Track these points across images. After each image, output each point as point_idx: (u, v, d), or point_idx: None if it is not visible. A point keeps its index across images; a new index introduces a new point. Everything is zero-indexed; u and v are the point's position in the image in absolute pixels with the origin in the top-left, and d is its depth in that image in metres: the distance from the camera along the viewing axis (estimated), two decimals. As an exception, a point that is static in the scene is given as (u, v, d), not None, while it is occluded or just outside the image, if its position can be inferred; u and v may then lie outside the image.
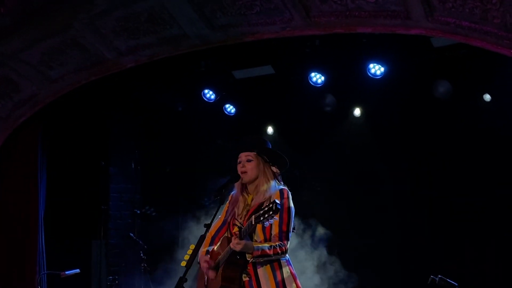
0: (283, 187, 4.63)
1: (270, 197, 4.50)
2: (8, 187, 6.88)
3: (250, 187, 4.67)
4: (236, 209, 4.70)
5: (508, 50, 4.35)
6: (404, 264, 7.72)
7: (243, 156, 4.63)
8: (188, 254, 4.77)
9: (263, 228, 4.47)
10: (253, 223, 4.26)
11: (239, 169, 4.61)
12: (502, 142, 7.17)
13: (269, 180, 4.61)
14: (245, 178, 4.61)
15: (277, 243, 4.44)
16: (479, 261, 7.45)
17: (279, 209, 4.18)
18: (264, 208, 4.21)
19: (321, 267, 7.39)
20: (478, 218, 7.41)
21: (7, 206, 6.87)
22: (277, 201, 4.19)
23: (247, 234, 4.36)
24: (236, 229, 4.60)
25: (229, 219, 4.75)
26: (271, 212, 4.15)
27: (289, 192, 4.60)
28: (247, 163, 4.58)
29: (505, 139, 7.12)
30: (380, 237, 7.90)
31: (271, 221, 4.24)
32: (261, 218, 4.19)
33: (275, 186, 4.61)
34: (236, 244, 4.31)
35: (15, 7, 5.31)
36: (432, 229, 7.74)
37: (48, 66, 6.08)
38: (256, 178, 4.61)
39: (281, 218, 4.43)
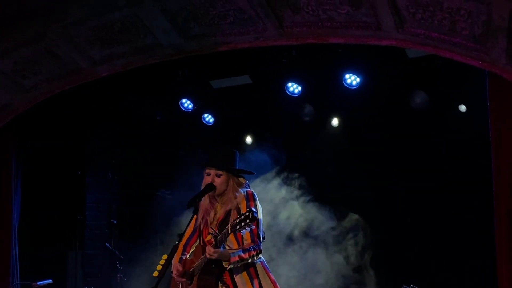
0: (248, 189, 4.69)
1: (237, 203, 4.57)
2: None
3: (218, 197, 4.70)
4: (207, 217, 4.73)
5: (477, 61, 4.39)
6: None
7: (213, 170, 4.65)
8: (161, 265, 4.77)
9: (235, 235, 4.50)
10: (229, 231, 4.29)
11: (208, 181, 4.64)
12: (478, 151, 7.22)
13: (237, 191, 4.67)
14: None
15: (250, 246, 4.48)
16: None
17: (256, 217, 4.22)
18: (241, 216, 4.26)
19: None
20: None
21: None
22: (253, 209, 4.24)
23: (223, 242, 4.39)
24: (209, 237, 4.62)
25: (201, 227, 4.77)
26: (247, 221, 4.22)
27: (254, 193, 4.67)
28: (217, 178, 4.65)
29: (480, 148, 7.17)
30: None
31: (248, 229, 4.28)
32: (238, 227, 4.24)
33: (239, 192, 4.67)
34: (212, 253, 4.33)
35: (-13, 16, 5.27)
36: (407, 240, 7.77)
37: (22, 75, 6.02)
38: (225, 190, 4.64)
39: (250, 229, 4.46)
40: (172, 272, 4.82)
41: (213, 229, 4.61)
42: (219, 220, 4.63)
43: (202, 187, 4.71)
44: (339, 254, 8.12)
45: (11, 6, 5.16)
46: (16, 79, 6.03)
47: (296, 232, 8.33)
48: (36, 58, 5.83)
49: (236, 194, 4.64)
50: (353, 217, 8.25)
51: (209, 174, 4.66)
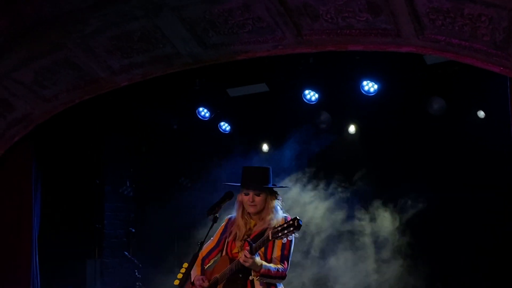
0: (287, 215, 4.75)
1: (275, 225, 4.57)
2: (2, 206, 6.84)
3: (254, 214, 4.73)
4: (237, 232, 4.75)
5: (498, 67, 4.37)
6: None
7: (251, 191, 4.71)
8: (181, 273, 4.78)
9: (266, 248, 4.51)
10: (270, 237, 4.29)
11: (247, 201, 4.70)
12: (497, 158, 7.17)
13: (274, 210, 4.74)
14: (253, 210, 4.74)
15: (280, 267, 4.51)
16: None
17: (301, 225, 4.22)
18: (284, 224, 4.31)
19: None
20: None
21: (1, 225, 6.83)
22: (299, 218, 4.25)
23: (258, 250, 4.39)
24: (236, 249, 4.63)
25: (229, 241, 4.78)
26: (291, 228, 4.26)
27: None
28: (256, 197, 4.71)
29: (499, 155, 7.11)
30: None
31: (290, 237, 4.29)
32: (279, 234, 4.26)
33: (278, 213, 4.74)
34: (247, 259, 4.33)
35: (7, 26, 5.32)
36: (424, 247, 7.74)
37: (42, 86, 6.08)
38: (263, 209, 4.70)
39: (284, 242, 4.51)
40: (192, 282, 4.82)
41: (248, 239, 4.60)
42: (252, 236, 4.66)
43: (238, 206, 4.75)
44: (358, 260, 8.10)
45: (30, 16, 5.21)
46: (36, 90, 6.09)
47: (315, 238, 8.34)
48: (56, 68, 5.88)
49: (274, 213, 4.71)
50: (370, 223, 8.23)
51: (247, 194, 4.73)
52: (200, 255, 4.83)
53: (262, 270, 4.42)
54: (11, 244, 6.91)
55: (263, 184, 4.73)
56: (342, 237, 8.29)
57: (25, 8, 5.17)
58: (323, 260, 8.29)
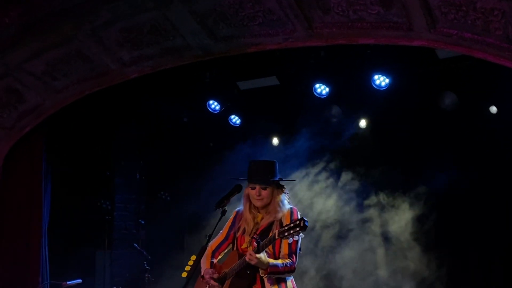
0: (293, 207, 4.72)
1: (281, 217, 4.60)
2: (12, 197, 6.89)
3: (262, 208, 4.73)
4: (245, 226, 4.74)
5: (510, 62, 4.32)
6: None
7: (257, 185, 4.70)
8: (189, 265, 4.78)
9: (273, 245, 4.51)
10: (276, 237, 4.29)
11: (254, 195, 4.68)
12: (509, 154, 7.12)
13: (281, 203, 4.70)
14: (260, 204, 4.71)
15: (287, 261, 4.51)
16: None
17: (307, 226, 4.22)
18: (290, 224, 4.28)
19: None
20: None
21: (11, 216, 6.88)
22: (305, 218, 4.23)
23: (265, 248, 4.39)
24: (245, 244, 4.63)
25: (238, 236, 4.78)
26: (297, 229, 4.23)
27: (298, 212, 4.66)
28: (263, 191, 4.68)
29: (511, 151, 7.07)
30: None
31: (296, 237, 4.27)
32: (286, 234, 4.24)
33: (285, 206, 4.71)
34: (253, 258, 4.32)
35: (19, 17, 5.34)
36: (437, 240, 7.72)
37: (53, 77, 6.10)
38: (269, 203, 4.69)
39: (290, 241, 4.47)
40: (202, 276, 4.82)
41: (255, 235, 4.59)
42: (260, 230, 4.65)
43: (245, 200, 4.75)
44: (367, 251, 8.09)
45: (42, 8, 5.23)
46: (47, 81, 6.11)
47: (325, 232, 8.34)
48: (67, 59, 5.90)
49: (281, 206, 4.68)
50: (380, 217, 8.21)
51: (254, 188, 4.71)
52: (209, 248, 4.83)
53: (270, 268, 4.42)
54: (21, 235, 6.95)
55: (269, 178, 4.71)
56: (352, 231, 8.28)
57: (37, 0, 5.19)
58: (332, 254, 8.29)
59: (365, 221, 8.26)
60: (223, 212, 4.66)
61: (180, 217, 9.23)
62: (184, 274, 4.76)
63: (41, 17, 5.39)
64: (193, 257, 4.76)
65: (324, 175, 8.53)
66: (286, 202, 4.75)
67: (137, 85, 7.32)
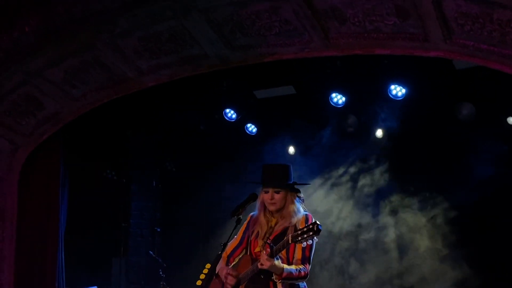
0: (308, 212, 4.72)
1: (296, 223, 4.62)
2: (29, 204, 6.94)
3: (276, 212, 4.73)
4: (259, 231, 4.75)
5: (527, 74, 4.30)
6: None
7: (271, 188, 4.71)
8: (204, 273, 4.80)
9: (287, 250, 4.51)
10: (289, 241, 4.29)
11: (267, 199, 4.68)
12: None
13: (295, 207, 4.73)
14: (273, 208, 4.74)
15: (301, 267, 4.52)
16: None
17: (320, 230, 4.21)
18: (304, 228, 4.28)
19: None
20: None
21: (28, 222, 6.92)
22: (318, 222, 4.24)
23: (278, 253, 4.40)
24: (258, 248, 4.63)
25: (251, 239, 4.79)
26: (311, 233, 4.23)
27: (313, 218, 4.66)
28: (276, 195, 4.70)
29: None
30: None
31: (310, 241, 4.27)
32: (299, 238, 4.24)
33: (300, 211, 4.71)
34: (266, 263, 4.33)
35: (39, 25, 5.39)
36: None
37: (71, 85, 6.14)
38: (283, 206, 4.66)
39: (304, 246, 4.48)
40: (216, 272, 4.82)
41: (268, 240, 4.60)
42: (274, 234, 4.66)
43: (259, 204, 4.76)
44: (382, 263, 8.07)
45: (61, 16, 5.28)
46: (65, 88, 6.16)
47: (342, 240, 8.33)
48: (85, 67, 5.94)
49: (295, 212, 4.70)
50: (396, 227, 8.19)
51: (267, 192, 4.74)
52: (224, 253, 4.84)
53: (284, 274, 4.43)
54: (38, 241, 7.00)
55: (282, 181, 4.72)
56: (369, 240, 8.27)
57: (56, 8, 5.24)
58: (349, 262, 8.29)
59: (381, 229, 8.26)
60: (238, 221, 4.68)
61: (196, 225, 9.27)
62: (199, 283, 4.78)
63: (60, 26, 5.43)
64: (208, 265, 4.78)
65: (340, 184, 8.54)
66: (300, 206, 4.76)
67: (155, 92, 7.37)
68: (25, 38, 5.47)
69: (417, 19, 4.34)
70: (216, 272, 4.81)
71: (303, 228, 4.31)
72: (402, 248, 8.06)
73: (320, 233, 4.24)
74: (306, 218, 4.66)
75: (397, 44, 4.68)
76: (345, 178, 8.59)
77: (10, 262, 6.43)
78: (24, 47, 5.54)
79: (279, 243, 4.42)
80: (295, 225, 4.64)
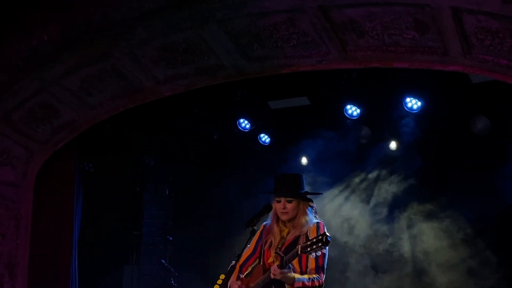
0: (319, 221, 4.71)
1: (307, 231, 4.59)
2: (44, 211, 6.97)
3: (288, 222, 4.71)
4: (272, 240, 4.74)
5: (546, 90, 4.28)
6: None
7: (283, 198, 4.70)
8: (218, 284, 4.78)
9: (300, 260, 4.50)
10: (299, 252, 4.29)
11: (279, 208, 4.67)
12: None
13: (307, 217, 4.70)
14: (285, 217, 4.72)
15: (314, 276, 4.50)
16: None
17: (329, 241, 4.20)
18: (313, 239, 4.27)
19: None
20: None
21: (42, 228, 6.95)
22: (328, 234, 4.23)
23: (289, 263, 4.38)
24: (271, 259, 4.62)
25: (264, 249, 4.78)
26: (320, 244, 4.24)
27: (325, 226, 4.64)
28: (288, 204, 4.69)
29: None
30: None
31: (319, 252, 4.26)
32: (308, 249, 4.24)
33: (311, 220, 4.69)
34: (277, 273, 4.33)
35: (57, 34, 5.43)
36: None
37: (88, 93, 6.17)
38: (295, 216, 4.67)
39: (317, 255, 4.44)
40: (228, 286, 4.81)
41: (279, 250, 4.60)
42: (286, 244, 4.65)
43: (272, 214, 4.76)
44: (398, 275, 8.04)
45: (79, 25, 5.30)
46: (82, 97, 6.18)
47: (356, 252, 8.31)
48: (102, 76, 5.97)
49: (307, 221, 4.68)
50: (410, 239, 8.16)
51: (279, 201, 4.72)
52: (237, 264, 4.83)
53: (296, 283, 4.41)
54: (52, 247, 7.02)
55: (294, 191, 4.72)
56: (383, 252, 8.24)
57: (75, 17, 5.27)
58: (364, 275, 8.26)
59: (396, 240, 8.22)
60: (253, 232, 4.67)
61: (207, 235, 9.27)
62: (214, 293, 4.76)
63: (78, 34, 5.46)
64: (222, 276, 4.76)
65: (354, 195, 8.52)
66: (312, 216, 4.74)
67: (169, 102, 7.39)
68: (44, 47, 5.50)
69: (437, 33, 4.33)
70: (228, 286, 4.80)
71: (313, 239, 4.30)
72: (419, 260, 8.01)
73: (331, 244, 4.23)
74: (318, 227, 4.64)
75: (415, 58, 4.67)
76: (359, 189, 8.57)
77: (24, 268, 6.45)
78: (42, 56, 5.57)
79: (289, 253, 4.40)
80: (306, 234, 4.62)
